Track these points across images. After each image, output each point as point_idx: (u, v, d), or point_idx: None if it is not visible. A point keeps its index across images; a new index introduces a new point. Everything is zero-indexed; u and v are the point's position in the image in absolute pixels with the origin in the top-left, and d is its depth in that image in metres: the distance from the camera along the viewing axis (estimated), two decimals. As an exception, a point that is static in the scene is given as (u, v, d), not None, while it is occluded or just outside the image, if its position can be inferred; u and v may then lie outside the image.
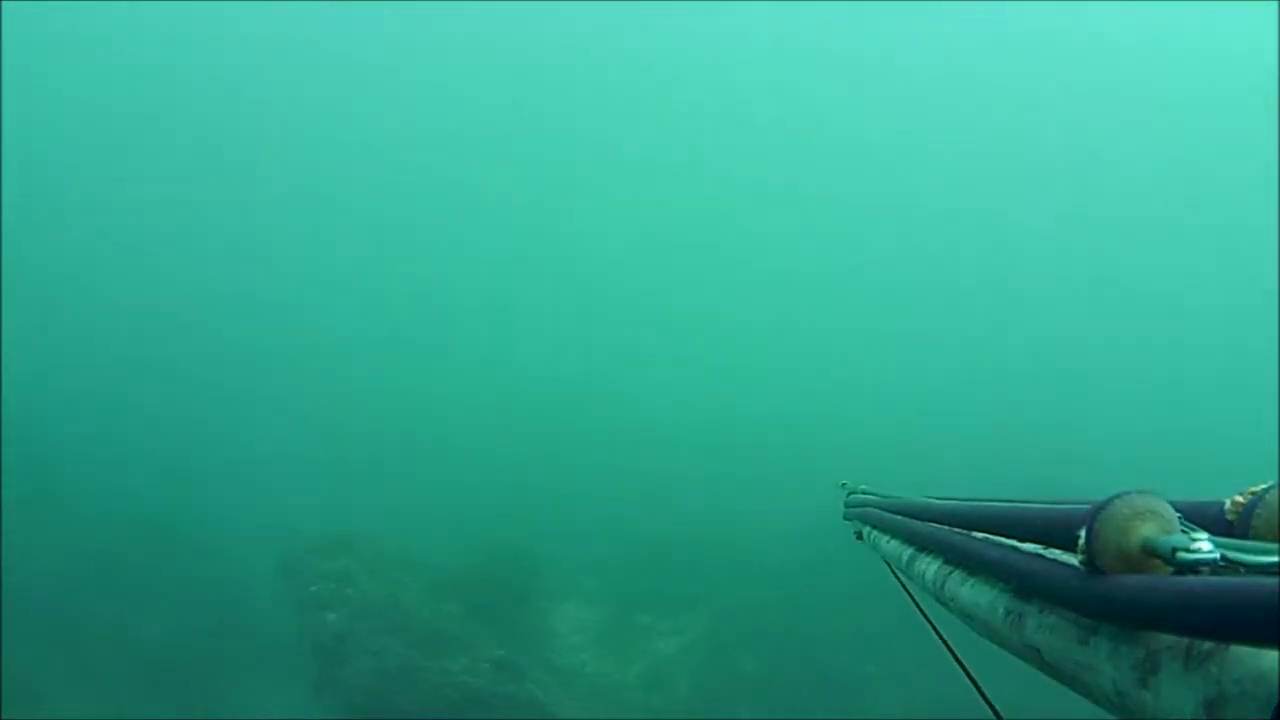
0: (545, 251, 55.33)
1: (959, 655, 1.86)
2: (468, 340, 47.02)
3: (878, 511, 2.62)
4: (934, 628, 2.03)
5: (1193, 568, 0.87)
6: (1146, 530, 0.94)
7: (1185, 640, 0.85)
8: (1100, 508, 0.97)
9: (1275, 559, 0.84)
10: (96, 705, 15.46)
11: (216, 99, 54.04)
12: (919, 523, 2.02)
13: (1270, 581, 0.69)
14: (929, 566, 1.82)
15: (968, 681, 1.73)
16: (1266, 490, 1.01)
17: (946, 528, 1.74)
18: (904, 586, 2.23)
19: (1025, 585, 1.24)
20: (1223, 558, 0.87)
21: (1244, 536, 0.99)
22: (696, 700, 18.14)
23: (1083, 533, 0.97)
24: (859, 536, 2.96)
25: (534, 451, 33.88)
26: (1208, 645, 0.81)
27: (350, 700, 14.61)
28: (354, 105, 57.55)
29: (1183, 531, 0.92)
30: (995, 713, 1.50)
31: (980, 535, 1.51)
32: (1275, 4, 45.50)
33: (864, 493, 3.23)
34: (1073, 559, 1.03)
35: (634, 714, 17.56)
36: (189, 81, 53.90)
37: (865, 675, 19.00)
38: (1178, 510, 0.97)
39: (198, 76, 54.16)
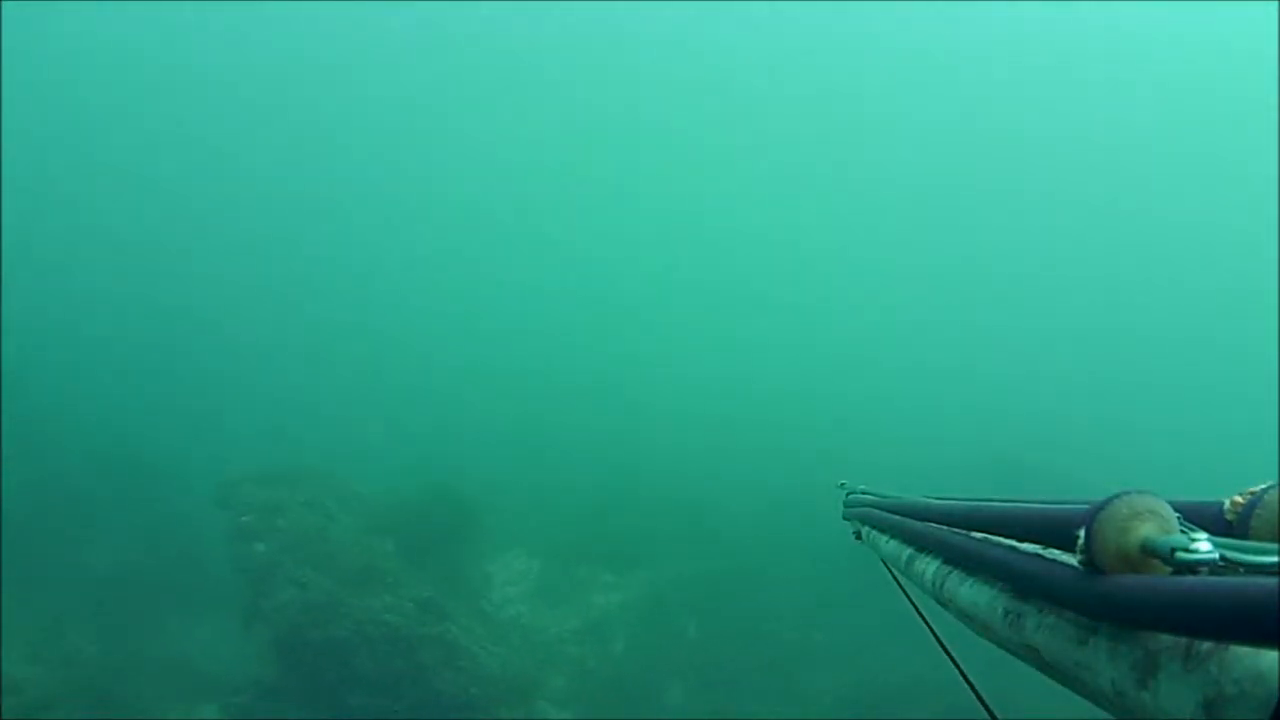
0: (520, 215, 54.80)
1: (955, 656, 1.86)
2: (424, 285, 46.29)
3: (876, 511, 2.62)
4: (931, 628, 2.03)
5: (1192, 568, 0.87)
6: (1146, 530, 0.94)
7: (1184, 640, 0.84)
8: (1099, 508, 0.96)
9: (1275, 559, 0.84)
10: (40, 636, 15.32)
11: (218, 98, 54.08)
12: (918, 522, 2.01)
13: (1270, 581, 0.69)
14: (928, 566, 1.82)
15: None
16: (1266, 490, 1.01)
17: (945, 528, 1.74)
18: (901, 587, 2.23)
19: (1024, 585, 1.24)
20: (1222, 558, 0.86)
21: (1243, 536, 0.99)
22: (632, 659, 18.00)
23: (1082, 533, 0.97)
24: (858, 536, 2.96)
25: (490, 398, 33.19)
26: (1207, 645, 0.81)
27: (277, 632, 14.51)
28: (353, 105, 57.62)
29: (1182, 531, 0.92)
30: (990, 713, 1.50)
31: (979, 535, 1.51)
32: (1275, 4, 45.53)
33: (863, 492, 3.23)
34: (1072, 559, 1.03)
35: (566, 668, 17.45)
36: (189, 81, 53.94)
37: (812, 644, 18.90)
38: (1177, 510, 0.96)
39: (198, 76, 54.20)
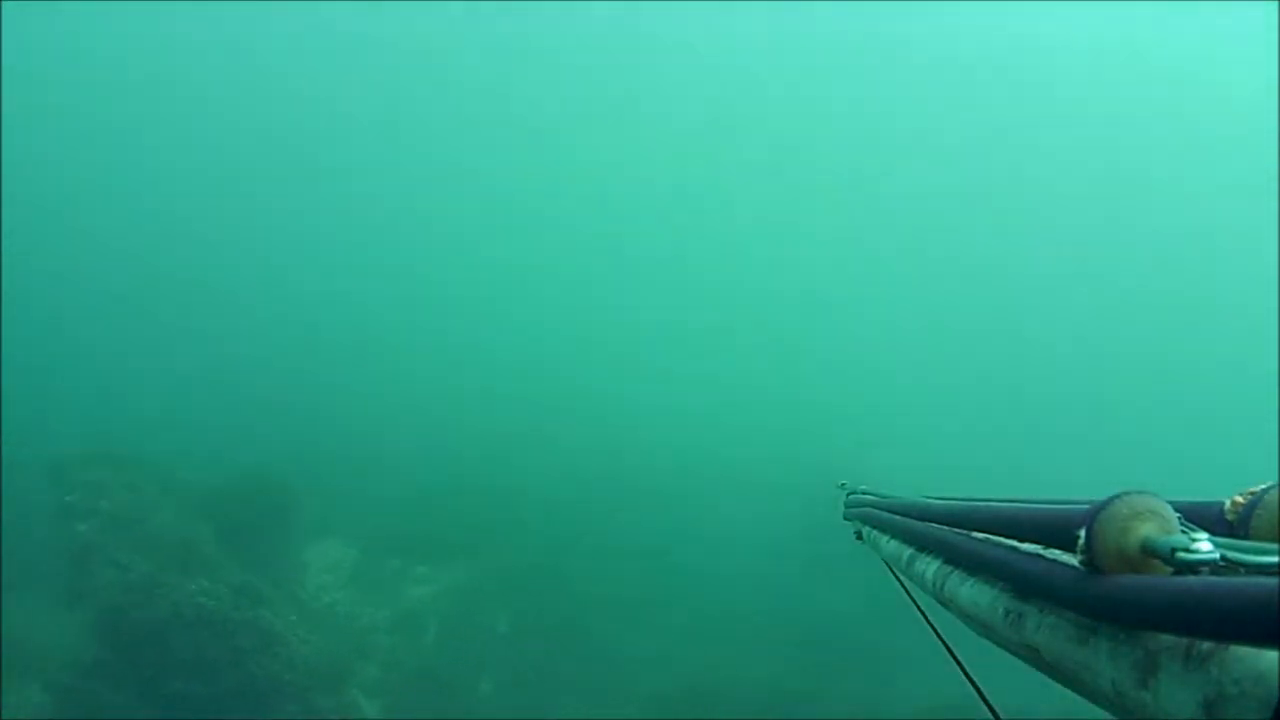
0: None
1: (958, 656, 1.86)
2: (255, 271, 45.11)
3: (877, 511, 2.62)
4: (933, 628, 2.03)
5: (1192, 568, 0.87)
6: (1146, 530, 0.94)
7: (1185, 640, 0.84)
8: (1100, 508, 0.97)
9: (1275, 559, 0.84)
10: None
11: (221, 98, 54.06)
12: (918, 523, 2.02)
13: (1270, 581, 0.69)
14: (929, 567, 1.82)
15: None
16: (1266, 490, 1.02)
17: (946, 528, 1.74)
18: (903, 586, 2.23)
19: (1025, 585, 1.24)
20: (1222, 558, 0.87)
21: (1244, 537, 0.99)
22: (443, 651, 18.06)
23: (1082, 533, 0.97)
24: (859, 536, 2.96)
25: (310, 386, 32.73)
26: (1207, 645, 0.81)
27: (98, 612, 14.54)
28: (352, 104, 57.59)
29: (1182, 531, 0.92)
30: (994, 713, 1.50)
31: (980, 535, 1.51)
32: (1275, 4, 45.53)
33: (863, 493, 3.23)
34: (1072, 559, 1.03)
35: (378, 657, 17.48)
36: (189, 82, 53.96)
37: (625, 643, 18.94)
38: (1178, 510, 0.96)
39: (198, 76, 54.23)
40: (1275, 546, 0.87)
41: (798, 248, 56.43)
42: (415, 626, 18.93)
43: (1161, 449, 35.32)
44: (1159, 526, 0.94)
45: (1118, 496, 0.97)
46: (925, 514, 2.00)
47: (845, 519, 3.26)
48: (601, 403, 34.46)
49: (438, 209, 53.40)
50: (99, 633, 14.33)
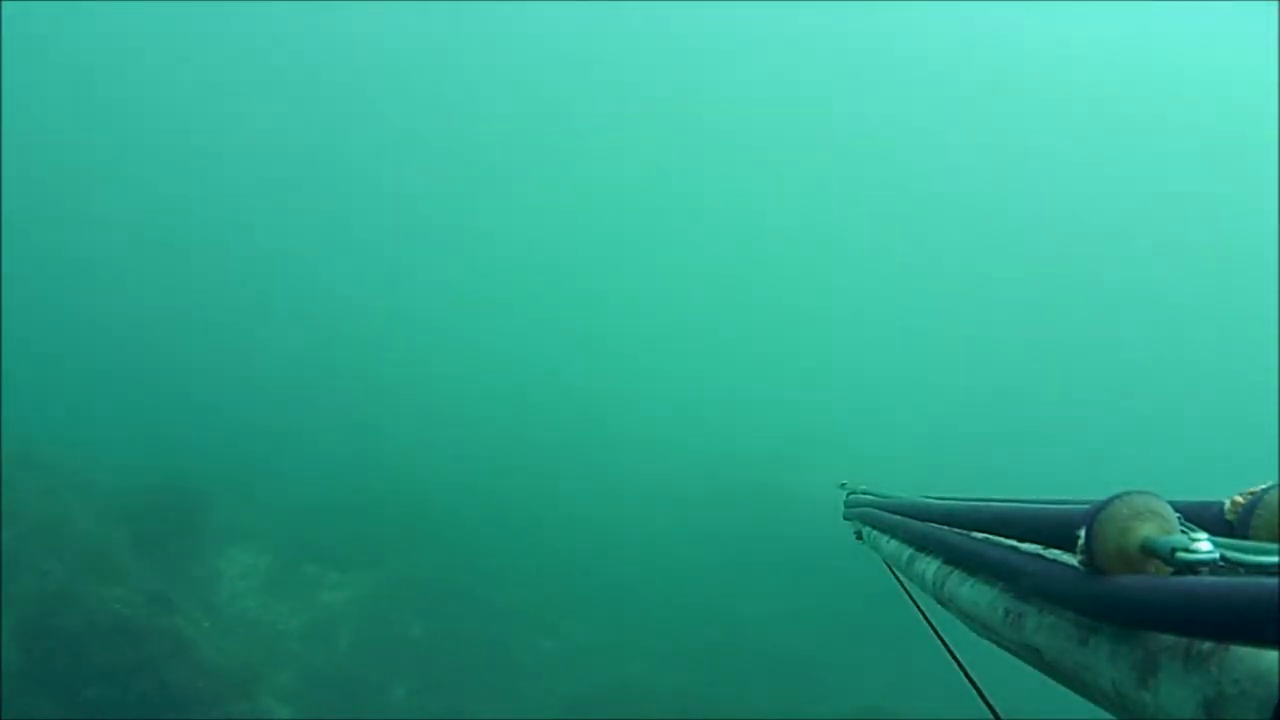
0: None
1: (959, 656, 1.86)
2: (170, 271, 43.79)
3: (877, 511, 2.62)
4: (934, 628, 2.03)
5: (1192, 568, 0.87)
6: (1146, 530, 0.94)
7: (1185, 640, 0.84)
8: (1100, 508, 0.97)
9: (1275, 559, 0.84)
10: None
11: (224, 98, 54.05)
12: (918, 523, 2.02)
13: (1270, 581, 0.69)
14: (929, 566, 1.82)
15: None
16: (1266, 490, 1.02)
17: (946, 528, 1.74)
18: (903, 586, 2.23)
19: (1025, 585, 1.24)
20: (1222, 558, 0.87)
21: (1244, 536, 0.99)
22: (357, 657, 18.06)
23: (1082, 533, 0.97)
24: (859, 536, 2.96)
25: (223, 389, 32.17)
26: (1207, 645, 0.81)
27: (18, 621, 14.43)
28: (351, 103, 57.61)
29: (1182, 532, 0.92)
30: (994, 713, 1.50)
31: (980, 535, 1.51)
32: (1275, 3, 45.55)
33: (863, 493, 3.23)
34: (1072, 559, 1.03)
35: (292, 664, 17.47)
36: (189, 83, 53.99)
37: (539, 650, 19.02)
38: (1178, 510, 0.96)
39: (198, 77, 54.25)
40: (1275, 546, 0.87)
41: (781, 249, 56.36)
42: (328, 633, 18.91)
43: (1161, 449, 35.33)
44: (1159, 526, 0.94)
45: (1118, 496, 0.97)
46: (925, 514, 2.01)
47: (845, 519, 3.27)
48: (519, 411, 34.36)
49: (337, 212, 52.60)
50: (18, 640, 14.28)
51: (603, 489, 26.71)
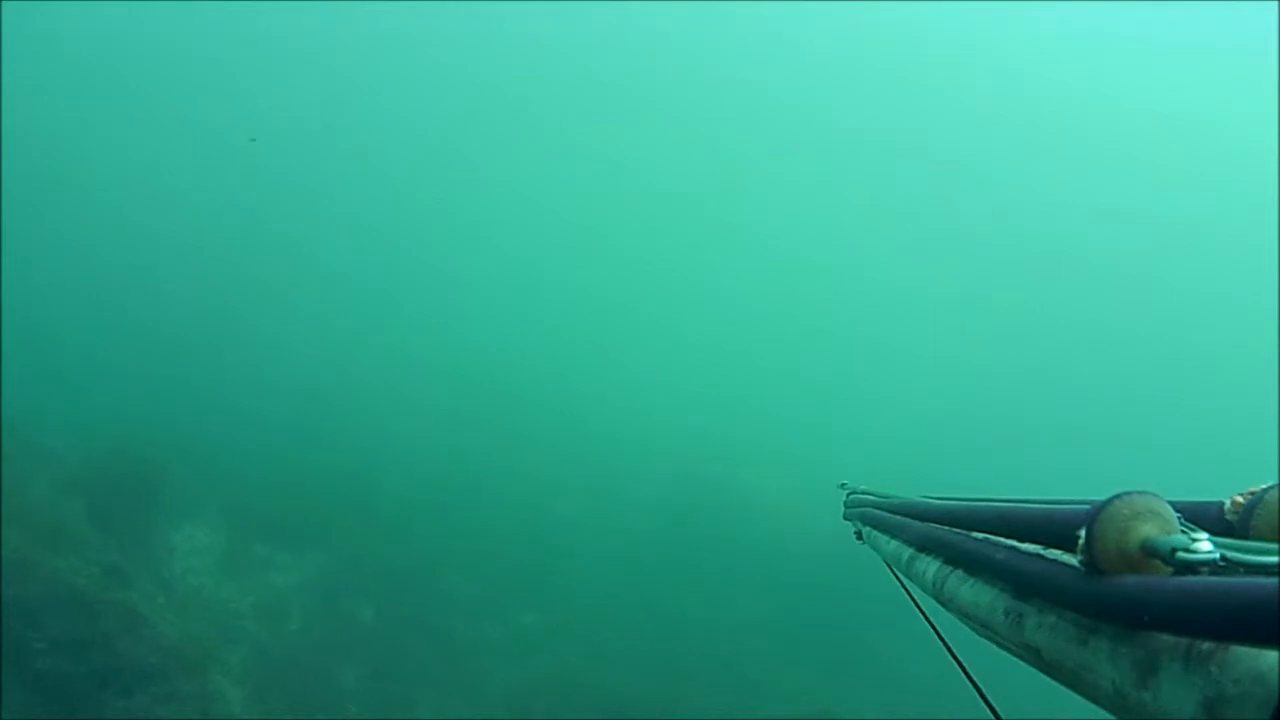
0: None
1: (959, 656, 1.86)
2: (136, 243, 43.28)
3: (877, 511, 2.62)
4: (934, 628, 2.03)
5: (1192, 568, 0.87)
6: (1146, 530, 0.94)
7: (1185, 640, 0.84)
8: (1100, 508, 0.97)
9: (1275, 559, 0.84)
10: None
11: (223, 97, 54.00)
12: (919, 523, 2.02)
13: (1270, 581, 0.69)
14: (929, 567, 1.82)
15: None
16: (1266, 490, 1.02)
17: (946, 528, 1.74)
18: (904, 586, 2.23)
19: (1025, 585, 1.24)
20: (1223, 558, 0.87)
21: (1244, 536, 1.00)
22: (307, 639, 18.16)
23: (1083, 533, 0.97)
24: (859, 536, 2.96)
25: (182, 361, 31.98)
26: (1207, 645, 0.81)
27: None
28: (351, 104, 57.65)
29: (1183, 531, 0.92)
30: (994, 713, 1.50)
31: (980, 535, 1.51)
32: (1275, 4, 45.57)
33: (864, 493, 3.23)
34: (1073, 559, 1.03)
35: (243, 643, 17.55)
36: (191, 82, 53.98)
37: (486, 638, 19.13)
38: (1178, 510, 0.97)
39: (200, 76, 54.24)
40: (1275, 546, 0.87)
41: (777, 251, 56.24)
42: (280, 614, 18.97)
43: (1161, 449, 35.34)
44: (1159, 526, 0.94)
45: (1118, 496, 0.97)
46: (925, 514, 2.01)
47: (845, 519, 3.26)
48: (474, 399, 34.27)
49: (299, 194, 52.19)
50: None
51: (555, 480, 26.83)
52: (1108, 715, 1.01)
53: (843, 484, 3.59)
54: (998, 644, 1.36)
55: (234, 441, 24.91)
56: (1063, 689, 1.15)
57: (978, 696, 1.62)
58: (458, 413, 32.29)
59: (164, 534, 19.81)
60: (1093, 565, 0.97)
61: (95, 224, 44.05)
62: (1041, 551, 1.21)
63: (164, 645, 15.14)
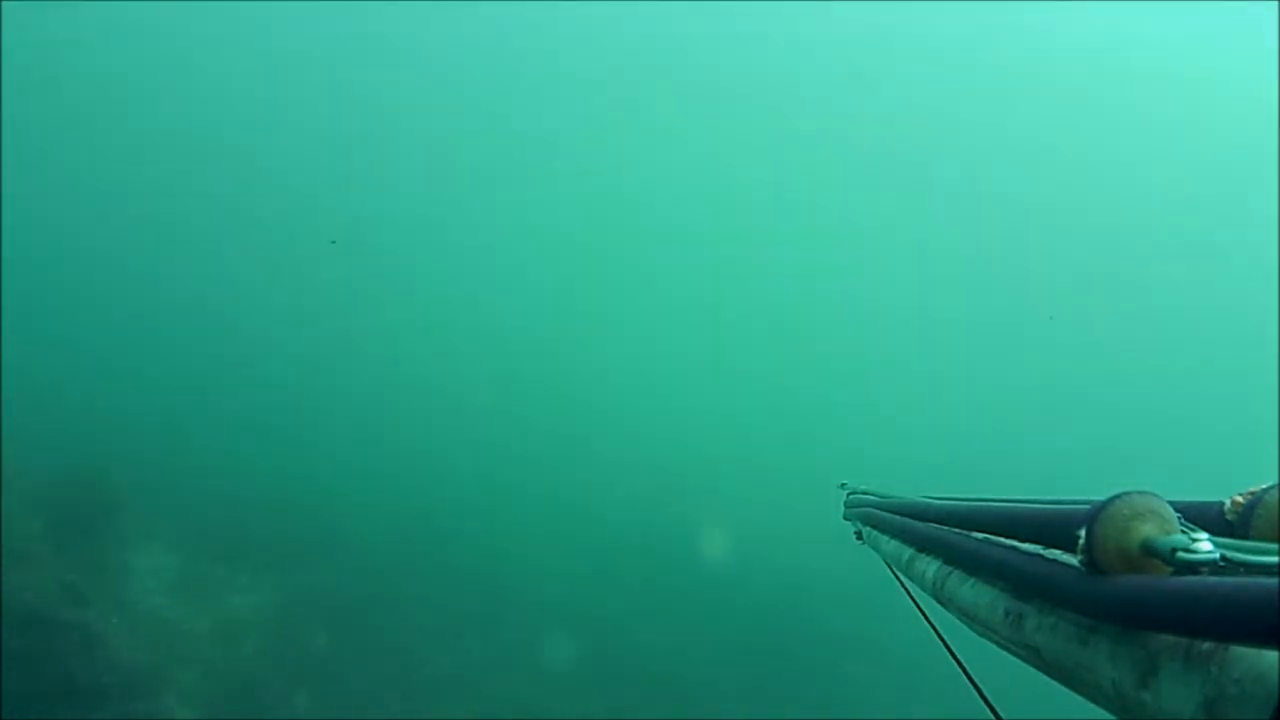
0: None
1: (959, 656, 1.86)
2: (81, 262, 42.89)
3: (877, 511, 2.62)
4: (934, 628, 2.03)
5: (1192, 568, 0.87)
6: (1146, 530, 0.94)
7: (1185, 640, 0.84)
8: (1100, 508, 0.97)
9: (1275, 559, 0.84)
10: None
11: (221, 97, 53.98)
12: (918, 522, 2.02)
13: (1270, 581, 0.69)
14: (929, 566, 1.82)
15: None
16: (1266, 490, 1.02)
17: (946, 528, 1.74)
18: (904, 586, 2.23)
19: (1025, 585, 1.24)
20: (1223, 558, 0.87)
21: (1244, 536, 1.00)
22: (261, 663, 18.16)
23: (1082, 533, 0.97)
24: (859, 536, 2.96)
25: (143, 385, 32.14)
26: (1207, 645, 0.81)
27: None
28: (350, 104, 57.63)
29: (1183, 531, 0.92)
30: (994, 713, 1.50)
31: (980, 535, 1.51)
32: (1275, 4, 45.55)
33: (863, 493, 3.23)
34: (1072, 559, 1.03)
35: (196, 666, 17.56)
36: (190, 83, 53.98)
37: (439, 668, 19.17)
38: (1178, 510, 0.97)
39: (199, 77, 54.24)
40: (1275, 546, 0.87)
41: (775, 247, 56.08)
42: (235, 636, 18.96)
43: (1161, 449, 35.35)
44: (1159, 526, 0.94)
45: (1118, 496, 0.97)
46: (925, 514, 2.01)
47: (845, 519, 3.26)
48: (433, 429, 34.27)
49: (263, 209, 51.87)
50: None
51: (514, 511, 26.87)
52: (1108, 715, 1.01)
53: (843, 484, 3.59)
54: (998, 644, 1.36)
55: (194, 464, 24.90)
56: (1063, 689, 1.15)
57: (978, 697, 1.62)
58: (416, 441, 32.28)
59: (122, 554, 19.73)
60: (1093, 565, 0.97)
61: (55, 242, 43.53)
62: (1041, 551, 1.21)
63: (118, 665, 15.23)
